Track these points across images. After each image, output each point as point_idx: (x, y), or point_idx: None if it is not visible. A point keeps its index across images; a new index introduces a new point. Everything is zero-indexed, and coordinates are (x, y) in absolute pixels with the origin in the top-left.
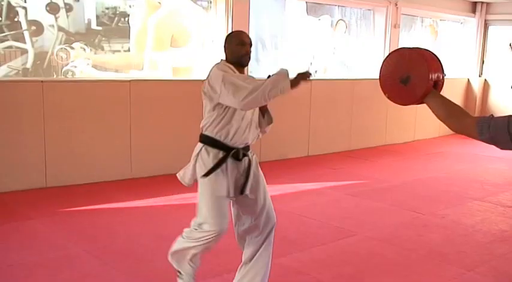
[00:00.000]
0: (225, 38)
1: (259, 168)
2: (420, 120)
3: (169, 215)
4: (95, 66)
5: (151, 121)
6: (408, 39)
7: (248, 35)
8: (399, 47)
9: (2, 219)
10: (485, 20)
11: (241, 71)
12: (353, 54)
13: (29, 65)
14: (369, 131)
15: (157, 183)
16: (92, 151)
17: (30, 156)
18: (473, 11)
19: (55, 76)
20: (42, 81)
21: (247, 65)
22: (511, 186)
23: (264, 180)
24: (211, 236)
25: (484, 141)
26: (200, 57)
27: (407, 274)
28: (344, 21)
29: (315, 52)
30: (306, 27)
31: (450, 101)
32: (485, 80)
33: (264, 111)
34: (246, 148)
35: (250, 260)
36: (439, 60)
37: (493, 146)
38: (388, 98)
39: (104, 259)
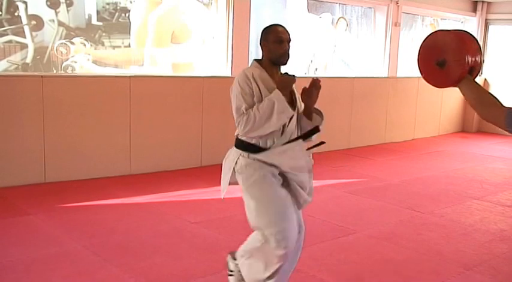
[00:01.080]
0: (261, 32)
1: None
2: (420, 119)
3: (168, 212)
4: (95, 62)
5: (151, 117)
6: (409, 38)
7: (286, 30)
8: (399, 46)
9: (0, 215)
10: (485, 19)
11: (277, 71)
12: (353, 52)
13: (29, 60)
14: (368, 129)
15: (157, 180)
16: (91, 147)
17: (29, 152)
18: (474, 10)
19: (55, 71)
20: (42, 76)
21: (285, 64)
22: (510, 185)
23: None
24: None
25: (510, 133)
26: (201, 53)
27: (406, 272)
28: (345, 19)
29: (315, 50)
30: (306, 24)
31: (483, 88)
32: (485, 79)
33: (307, 113)
34: None
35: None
36: (478, 43)
37: (492, 146)
38: (424, 78)
39: (102, 255)
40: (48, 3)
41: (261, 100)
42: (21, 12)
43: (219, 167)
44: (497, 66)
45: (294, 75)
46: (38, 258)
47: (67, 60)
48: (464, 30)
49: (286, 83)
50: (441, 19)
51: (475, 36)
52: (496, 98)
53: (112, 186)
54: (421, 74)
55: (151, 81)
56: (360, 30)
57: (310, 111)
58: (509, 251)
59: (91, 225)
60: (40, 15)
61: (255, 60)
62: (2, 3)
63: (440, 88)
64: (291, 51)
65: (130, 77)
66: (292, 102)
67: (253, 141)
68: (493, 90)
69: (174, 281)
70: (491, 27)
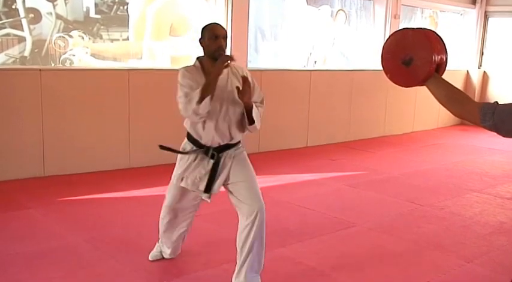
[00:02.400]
0: (200, 31)
1: (245, 160)
2: (419, 112)
3: None
4: (93, 55)
5: (150, 110)
6: None
7: (222, 27)
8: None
9: None
10: (485, 12)
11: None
12: (353, 44)
13: (26, 53)
14: (367, 122)
15: (156, 173)
16: (90, 140)
17: (28, 145)
18: (474, 2)
19: (53, 64)
20: (40, 70)
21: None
22: (509, 178)
23: (251, 171)
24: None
25: (485, 128)
26: (199, 46)
27: (406, 265)
28: (344, 11)
29: (314, 42)
30: (305, 17)
31: (452, 85)
32: (484, 71)
33: (248, 111)
34: (222, 148)
35: (241, 251)
36: (443, 42)
37: (491, 138)
38: (390, 79)
39: (102, 248)
40: None
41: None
42: (19, 5)
43: None
44: (496, 58)
45: (228, 56)
46: (38, 252)
47: (65, 53)
48: (429, 29)
49: (213, 72)
50: (440, 11)
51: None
52: (465, 94)
53: (111, 179)
54: (386, 74)
55: (150, 75)
56: (359, 22)
57: (247, 107)
58: (508, 243)
59: (91, 219)
60: (38, 8)
61: (197, 58)
62: None
63: (407, 87)
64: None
65: (128, 70)
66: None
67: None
68: (492, 83)
69: (175, 274)
70: (490, 20)
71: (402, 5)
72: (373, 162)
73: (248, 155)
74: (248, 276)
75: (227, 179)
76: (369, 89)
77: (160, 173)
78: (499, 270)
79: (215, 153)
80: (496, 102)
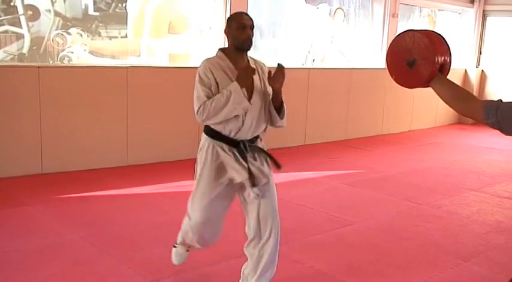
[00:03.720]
0: (226, 21)
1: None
2: (417, 110)
3: (166, 203)
4: (91, 52)
5: (148, 108)
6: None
7: (249, 17)
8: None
9: None
10: (483, 11)
11: (242, 57)
12: (351, 43)
13: (25, 50)
14: (365, 121)
15: (154, 171)
16: (88, 137)
17: (26, 142)
18: (472, 1)
19: (51, 62)
20: (38, 67)
21: (249, 49)
22: (507, 177)
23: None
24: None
25: (488, 125)
26: (198, 44)
27: (403, 264)
28: (342, 9)
29: (313, 41)
30: (304, 15)
31: (456, 84)
32: (482, 70)
33: (277, 106)
34: (250, 141)
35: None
36: (447, 43)
37: (489, 137)
38: (395, 80)
39: (100, 246)
40: None
41: (217, 90)
42: (18, 2)
43: None
44: (494, 58)
45: (262, 64)
46: (35, 249)
47: (63, 50)
48: (433, 31)
49: (246, 74)
50: (439, 10)
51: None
52: (469, 92)
53: (109, 177)
54: (391, 76)
55: (149, 72)
56: (357, 21)
57: (277, 96)
58: (506, 242)
59: (88, 216)
60: (36, 5)
61: (220, 49)
62: None
63: (412, 88)
64: (254, 38)
65: (127, 67)
66: (252, 92)
67: (217, 129)
68: (490, 82)
69: (172, 271)
70: (488, 19)
71: (400, 3)
72: (371, 161)
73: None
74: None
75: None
76: (367, 87)
77: (158, 170)
78: (496, 269)
79: (247, 145)
80: (500, 100)
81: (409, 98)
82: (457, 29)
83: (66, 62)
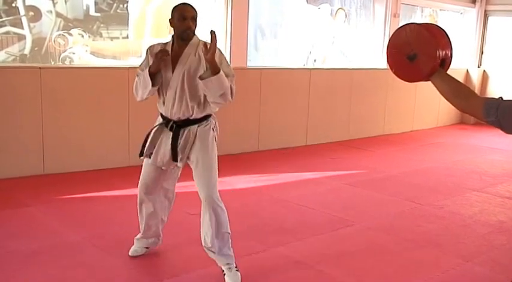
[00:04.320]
0: (171, 12)
1: (207, 143)
2: (419, 111)
3: None
4: (93, 53)
5: (149, 108)
6: None
7: (192, 9)
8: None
9: None
10: (485, 11)
11: (183, 45)
12: (352, 43)
13: (26, 51)
14: (367, 121)
15: None
16: (90, 138)
17: (27, 143)
18: (474, 1)
19: (53, 62)
20: (39, 68)
21: (189, 39)
22: (509, 177)
23: (210, 156)
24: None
25: (488, 123)
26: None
27: (405, 264)
28: (344, 10)
29: (314, 41)
30: (305, 15)
31: (457, 80)
32: (484, 70)
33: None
34: (185, 122)
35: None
36: (448, 37)
37: (491, 137)
38: (394, 74)
39: (102, 246)
40: None
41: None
42: (19, 3)
43: (220, 157)
44: (496, 57)
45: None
46: (37, 250)
47: (65, 51)
48: (434, 24)
49: (156, 58)
50: (440, 10)
51: (475, 26)
52: (470, 89)
53: (111, 177)
54: (391, 69)
55: None
56: (359, 21)
57: (210, 67)
58: (508, 242)
59: (90, 217)
60: (38, 6)
61: (172, 35)
62: None
63: (411, 82)
64: (196, 29)
65: (128, 68)
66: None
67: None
68: (492, 82)
69: (174, 272)
70: (490, 19)
71: (402, 3)
72: (372, 161)
73: (247, 153)
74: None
75: (188, 156)
76: (368, 87)
77: None
78: (498, 269)
79: (174, 125)
80: (501, 97)
81: (411, 98)
82: (458, 29)
83: (67, 63)
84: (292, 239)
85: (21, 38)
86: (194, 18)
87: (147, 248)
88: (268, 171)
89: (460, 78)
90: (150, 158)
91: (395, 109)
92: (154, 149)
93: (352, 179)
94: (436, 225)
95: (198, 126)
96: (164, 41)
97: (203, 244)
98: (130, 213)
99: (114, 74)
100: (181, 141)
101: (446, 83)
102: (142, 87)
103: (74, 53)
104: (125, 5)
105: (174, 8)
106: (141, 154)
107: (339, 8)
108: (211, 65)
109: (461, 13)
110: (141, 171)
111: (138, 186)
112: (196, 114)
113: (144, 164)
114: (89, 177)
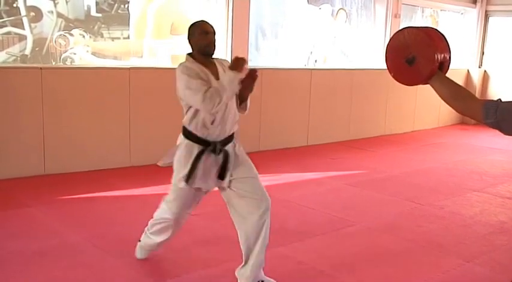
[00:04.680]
0: (188, 29)
1: (245, 156)
2: (419, 111)
3: None
4: (94, 54)
5: (151, 109)
6: None
7: (211, 25)
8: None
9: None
10: (485, 11)
11: (208, 60)
12: (353, 43)
13: (27, 52)
14: (368, 121)
15: (156, 172)
16: (91, 138)
17: (28, 143)
18: (474, 1)
19: (54, 63)
20: (41, 68)
21: (213, 53)
22: (510, 177)
23: (251, 165)
24: (165, 221)
25: (488, 125)
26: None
27: (406, 264)
28: (345, 10)
29: (315, 41)
30: (306, 16)
31: (455, 83)
32: (485, 71)
33: (242, 100)
34: (225, 141)
35: (252, 244)
36: (446, 40)
37: (492, 137)
38: (393, 77)
39: (103, 247)
40: None
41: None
42: (20, 3)
43: None
44: (497, 58)
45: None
46: (38, 250)
47: (66, 51)
48: (432, 27)
49: (238, 62)
50: (441, 10)
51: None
52: (469, 91)
53: (112, 178)
54: (390, 73)
55: (151, 73)
56: (359, 21)
57: (243, 101)
58: (509, 243)
59: (91, 217)
60: (39, 6)
61: (188, 54)
62: None
63: (410, 86)
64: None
65: (129, 68)
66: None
67: (190, 129)
68: (492, 82)
69: (175, 273)
70: (491, 19)
71: (403, 4)
72: (373, 161)
73: (248, 153)
74: (254, 270)
75: (231, 174)
76: (369, 88)
77: (161, 171)
78: (498, 269)
79: (221, 148)
80: (500, 99)
81: (412, 99)
82: (459, 29)
83: (68, 63)
84: (293, 239)
85: (22, 38)
86: (215, 34)
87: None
88: (269, 172)
89: (461, 78)
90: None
91: (396, 109)
92: (198, 176)
93: (353, 179)
94: (437, 226)
95: (233, 142)
96: (185, 62)
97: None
98: (131, 213)
99: (115, 75)
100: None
101: (445, 86)
102: (229, 90)
103: (75, 54)
104: (126, 6)
105: (193, 25)
106: (187, 181)
107: (340, 9)
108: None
109: (461, 13)
110: (143, 173)
111: (173, 212)
112: (234, 130)
113: (180, 190)
114: (89, 178)
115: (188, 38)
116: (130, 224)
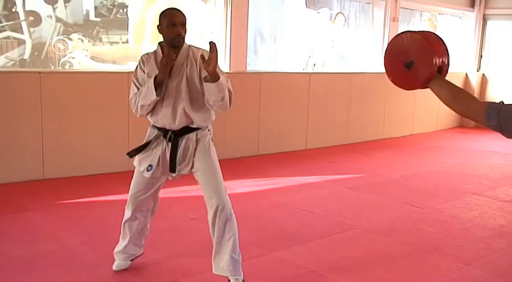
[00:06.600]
0: (158, 17)
1: (208, 150)
2: (418, 114)
3: (167, 208)
4: (93, 58)
5: None
6: None
7: (181, 14)
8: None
9: None
10: (483, 15)
11: (176, 52)
12: (351, 47)
13: (26, 56)
14: (367, 125)
15: None
16: (90, 143)
17: (27, 148)
18: (472, 5)
19: (53, 67)
20: (39, 72)
21: (180, 46)
22: (508, 180)
23: (213, 161)
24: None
25: (489, 127)
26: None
27: (405, 268)
28: (343, 14)
29: (313, 45)
30: (304, 20)
31: (455, 85)
32: (483, 74)
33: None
34: (180, 132)
35: (214, 243)
36: (445, 45)
37: (491, 141)
38: (392, 82)
39: (101, 251)
40: None
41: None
42: (19, 8)
43: (220, 161)
44: (495, 61)
45: (171, 57)
46: (37, 255)
47: (65, 56)
48: (431, 31)
49: (162, 66)
50: (439, 14)
51: (474, 30)
52: (469, 93)
53: (111, 182)
54: (389, 77)
55: None
56: (358, 25)
57: (213, 77)
58: (508, 246)
59: (90, 222)
60: (38, 11)
61: (159, 43)
62: None
63: (410, 90)
64: (186, 34)
65: (128, 73)
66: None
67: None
68: (491, 85)
69: (174, 277)
70: (489, 23)
71: (401, 8)
72: (372, 165)
73: (247, 157)
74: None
75: (192, 166)
76: (368, 91)
77: None
78: (498, 273)
79: (172, 136)
80: (502, 102)
81: (411, 102)
82: (457, 33)
83: (67, 68)
84: (293, 243)
85: (21, 42)
86: (184, 24)
87: (131, 260)
88: (268, 176)
89: (459, 82)
90: (148, 170)
91: (395, 113)
92: (151, 161)
93: (352, 183)
94: (436, 229)
95: (196, 133)
96: (151, 51)
97: (218, 263)
98: None
99: (114, 79)
100: (180, 151)
101: (444, 88)
102: (144, 99)
103: (73, 58)
104: (125, 10)
105: (162, 14)
106: (130, 155)
107: (338, 12)
108: (213, 76)
109: (460, 17)
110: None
111: (129, 200)
112: (198, 123)
113: (136, 176)
114: (88, 182)
115: (157, 27)
116: None
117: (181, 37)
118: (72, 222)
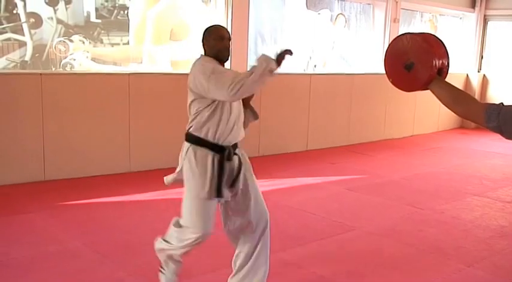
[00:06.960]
0: (203, 32)
1: (250, 165)
2: (419, 115)
3: (168, 209)
4: (93, 59)
5: (150, 114)
6: None
7: (227, 30)
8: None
9: (0, 212)
10: (484, 15)
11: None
12: (352, 48)
13: (27, 58)
14: (367, 126)
15: (156, 177)
16: (91, 144)
17: (28, 149)
18: (473, 6)
19: (54, 69)
20: (40, 74)
21: (226, 60)
22: (509, 181)
23: (254, 176)
24: (196, 241)
25: (489, 129)
26: (199, 50)
27: (407, 269)
28: (344, 15)
29: (314, 46)
30: (305, 21)
31: (455, 87)
32: (484, 75)
33: (246, 106)
34: (235, 146)
35: (250, 257)
36: (445, 46)
37: (491, 142)
38: (392, 83)
39: (102, 252)
40: (47, 0)
41: None
42: (20, 9)
43: None
44: (496, 62)
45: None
46: (38, 256)
47: (66, 57)
48: (430, 33)
49: (284, 53)
50: (440, 15)
51: (474, 31)
52: (469, 94)
53: (111, 183)
54: (389, 79)
55: (150, 79)
56: (358, 26)
57: (249, 104)
58: (509, 247)
59: (91, 223)
60: (39, 12)
61: (202, 55)
62: (0, 1)
63: (410, 92)
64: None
65: (129, 74)
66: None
67: (201, 136)
68: (492, 86)
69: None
70: (490, 23)
71: (402, 9)
72: (373, 166)
73: (248, 158)
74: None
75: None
76: (368, 92)
77: (161, 177)
78: (499, 273)
79: (230, 152)
80: (502, 103)
81: (411, 103)
82: (458, 33)
83: (68, 69)
84: (293, 244)
85: (22, 44)
86: (230, 39)
87: None
88: (269, 177)
89: (460, 82)
90: (220, 196)
91: (396, 114)
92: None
93: (353, 184)
94: (437, 230)
95: (240, 149)
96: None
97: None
98: (131, 219)
99: (114, 80)
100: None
101: (445, 90)
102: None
103: (74, 60)
104: (126, 12)
105: (208, 29)
106: (219, 192)
107: (339, 14)
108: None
109: (460, 18)
110: (143, 179)
111: (199, 227)
112: (242, 136)
113: (200, 204)
114: (89, 184)
115: (202, 41)
116: (131, 229)
117: (228, 50)
118: (73, 223)
